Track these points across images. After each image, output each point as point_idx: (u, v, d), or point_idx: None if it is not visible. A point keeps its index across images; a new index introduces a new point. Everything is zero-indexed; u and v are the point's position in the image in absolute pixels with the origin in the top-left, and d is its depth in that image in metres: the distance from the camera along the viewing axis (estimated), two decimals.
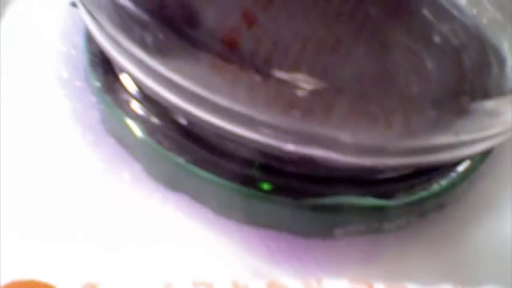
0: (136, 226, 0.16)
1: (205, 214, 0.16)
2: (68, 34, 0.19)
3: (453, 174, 0.17)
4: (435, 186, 0.17)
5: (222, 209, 0.16)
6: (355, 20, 0.13)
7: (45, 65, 0.19)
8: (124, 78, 0.17)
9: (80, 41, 0.19)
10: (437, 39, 0.14)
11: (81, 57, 0.19)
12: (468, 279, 0.15)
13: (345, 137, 0.13)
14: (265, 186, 0.16)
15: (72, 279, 0.12)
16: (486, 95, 0.15)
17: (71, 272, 0.14)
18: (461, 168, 0.17)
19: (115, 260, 0.15)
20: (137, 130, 0.17)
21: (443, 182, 0.17)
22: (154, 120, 0.17)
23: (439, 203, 0.17)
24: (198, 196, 0.16)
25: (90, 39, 0.18)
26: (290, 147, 0.14)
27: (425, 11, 0.15)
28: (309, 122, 0.13)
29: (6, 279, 0.12)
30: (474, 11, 0.16)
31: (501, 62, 0.15)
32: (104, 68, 0.17)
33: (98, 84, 0.17)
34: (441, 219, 0.17)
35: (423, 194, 0.17)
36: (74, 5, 0.18)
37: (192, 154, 0.16)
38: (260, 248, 0.16)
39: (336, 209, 0.16)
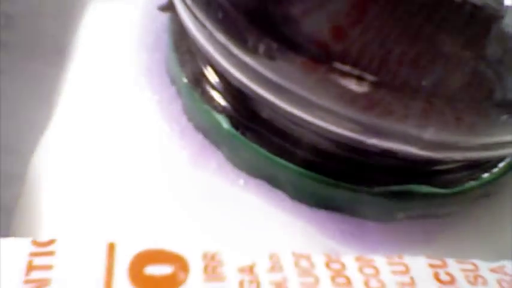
0: (221, 209, 0.18)
1: (283, 199, 0.19)
2: (152, 34, 0.21)
3: (497, 168, 0.20)
4: (482, 178, 0.19)
5: (299, 195, 0.18)
6: (434, 33, 0.15)
7: (128, 61, 0.21)
8: (209, 74, 0.19)
9: (163, 42, 0.21)
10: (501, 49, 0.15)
11: (165, 56, 0.21)
12: None
13: (427, 135, 0.15)
14: (339, 174, 0.18)
15: (195, 248, 0.14)
16: None
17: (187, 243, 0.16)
18: (504, 162, 0.20)
19: (202, 237, 0.18)
20: (223, 122, 0.19)
21: (489, 174, 0.19)
22: (238, 113, 0.19)
23: (486, 191, 0.20)
24: (276, 183, 0.18)
25: (176, 39, 0.20)
26: (372, 141, 0.16)
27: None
28: (391, 120, 0.15)
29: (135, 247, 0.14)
30: None
31: None
32: (191, 66, 0.19)
33: (185, 80, 0.19)
34: (489, 205, 0.20)
35: (472, 184, 0.19)
36: (165, 9, 0.20)
37: (272, 145, 0.18)
38: (334, 231, 0.18)
39: (399, 195, 0.18)
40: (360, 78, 0.14)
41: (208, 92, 0.19)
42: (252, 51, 0.15)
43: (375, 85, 0.14)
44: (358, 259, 0.15)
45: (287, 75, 0.15)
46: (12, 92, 0.24)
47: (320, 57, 0.15)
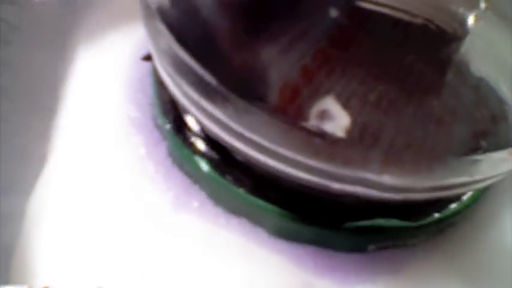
0: (203, 247, 0.20)
1: (262, 235, 0.20)
2: (136, 84, 0.23)
3: (463, 198, 0.21)
4: (448, 210, 0.20)
5: (276, 232, 0.20)
6: (394, 80, 0.17)
7: (116, 109, 0.22)
8: (190, 121, 0.21)
9: (148, 89, 0.22)
10: (460, 95, 0.17)
11: (149, 102, 0.22)
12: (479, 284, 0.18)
13: (384, 179, 0.16)
14: (312, 213, 0.19)
15: None
16: (498, 144, 0.18)
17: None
18: (470, 193, 0.21)
19: (188, 277, 0.19)
20: (203, 165, 0.20)
21: (455, 206, 0.21)
22: (217, 157, 0.20)
23: (452, 222, 0.21)
24: (255, 220, 0.20)
25: (159, 88, 0.21)
26: (335, 186, 0.17)
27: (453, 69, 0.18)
28: (351, 168, 0.17)
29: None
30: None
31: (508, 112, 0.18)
32: (174, 114, 0.21)
33: (167, 127, 0.21)
34: (454, 234, 0.21)
35: (438, 215, 0.20)
36: (145, 59, 0.22)
37: (249, 186, 0.20)
38: (309, 264, 0.19)
39: (369, 229, 0.19)
40: (318, 133, 0.16)
41: (190, 137, 0.20)
42: (221, 109, 0.16)
43: (333, 139, 0.16)
44: None
45: (255, 130, 0.17)
46: (9, 133, 0.25)
47: (282, 116, 0.16)
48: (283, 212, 0.19)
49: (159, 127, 0.21)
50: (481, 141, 0.17)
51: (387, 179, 0.16)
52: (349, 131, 0.16)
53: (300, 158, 0.17)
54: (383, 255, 0.20)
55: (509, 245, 0.21)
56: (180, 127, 0.21)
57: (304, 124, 0.16)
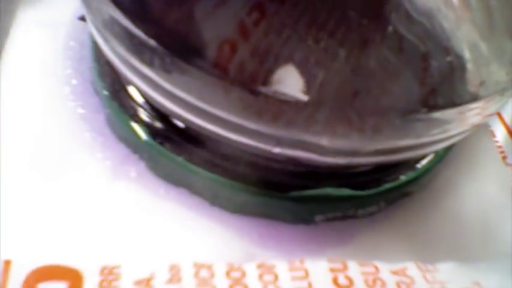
0: (142, 217, 0.18)
1: (203, 206, 0.19)
2: (75, 45, 0.22)
3: (418, 166, 0.20)
4: (401, 178, 0.19)
5: (218, 201, 0.19)
6: (334, 34, 0.16)
7: (55, 73, 0.21)
8: (128, 86, 0.19)
9: (87, 52, 0.21)
10: (406, 48, 0.16)
11: (89, 66, 0.21)
12: (430, 257, 0.17)
13: (323, 142, 0.15)
14: (254, 181, 0.18)
15: (92, 262, 0.14)
16: (448, 101, 0.17)
17: (90, 257, 0.16)
18: (425, 161, 0.20)
19: (125, 245, 0.18)
20: (141, 133, 0.19)
21: (409, 174, 0.20)
22: (156, 124, 0.19)
23: (405, 191, 0.20)
24: (196, 190, 0.19)
25: (97, 51, 0.20)
26: (276, 150, 0.16)
27: (396, 20, 0.17)
28: (292, 130, 0.16)
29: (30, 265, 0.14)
30: (439, 18, 0.18)
31: (463, 69, 0.17)
32: (111, 77, 0.20)
33: (105, 92, 0.20)
34: (407, 205, 0.20)
35: (391, 184, 0.19)
36: (82, 19, 0.20)
37: (189, 153, 0.19)
38: (253, 235, 0.18)
39: (316, 199, 0.18)
40: (252, 91, 0.15)
41: (128, 103, 0.19)
42: (149, 64, 0.15)
43: (267, 97, 0.15)
44: (259, 266, 0.15)
45: (185, 88, 0.15)
46: None
47: (214, 72, 0.15)
48: (224, 181, 0.18)
49: (97, 93, 0.20)
50: (430, 99, 0.16)
51: (328, 140, 0.15)
52: (290, 90, 0.15)
53: (232, 118, 0.15)
54: (332, 227, 0.19)
55: (465, 216, 0.20)
56: (118, 93, 0.20)
57: (240, 83, 0.15)
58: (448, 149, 0.21)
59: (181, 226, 0.18)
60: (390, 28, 0.15)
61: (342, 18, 0.15)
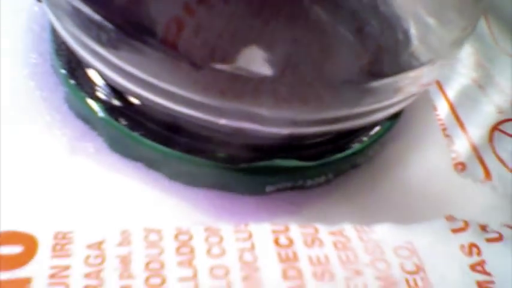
0: (99, 191, 0.19)
1: (159, 180, 0.20)
2: (36, 28, 0.22)
3: (365, 138, 0.21)
4: (349, 149, 0.20)
5: (172, 175, 0.19)
6: (274, 6, 0.16)
7: (15, 55, 0.22)
8: (83, 63, 0.20)
9: (48, 34, 0.22)
10: (349, 17, 0.17)
11: (47, 45, 0.22)
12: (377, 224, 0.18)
13: (265, 112, 0.16)
14: (207, 154, 0.19)
15: (47, 229, 0.15)
16: (386, 70, 0.18)
17: (45, 223, 0.16)
18: (372, 132, 0.21)
19: (81, 216, 0.18)
20: (98, 110, 0.20)
21: (356, 145, 0.21)
22: (113, 100, 0.20)
23: (354, 162, 0.21)
24: (151, 164, 0.20)
25: (54, 31, 0.21)
26: (222, 121, 0.17)
27: None
28: (236, 102, 0.17)
29: None
30: None
31: (407, 39, 0.18)
32: (68, 56, 0.20)
33: (63, 71, 0.20)
34: (356, 176, 0.21)
35: (338, 156, 0.20)
36: (39, 0, 0.21)
37: (144, 129, 0.19)
38: (208, 207, 0.19)
39: (266, 170, 0.19)
40: (194, 63, 0.15)
41: (84, 81, 0.20)
42: (97, 40, 0.16)
43: (209, 68, 0.15)
44: (206, 229, 0.16)
45: (132, 63, 0.16)
46: None
47: (161, 48, 0.16)
48: (179, 154, 0.19)
49: (55, 71, 0.21)
50: (368, 68, 0.17)
51: (270, 111, 0.16)
52: (235, 62, 0.16)
53: (183, 92, 0.16)
54: (282, 197, 0.20)
55: (409, 184, 0.21)
56: (75, 71, 0.20)
57: (187, 58, 0.16)
58: (394, 122, 0.22)
59: (137, 199, 0.19)
60: None
61: None
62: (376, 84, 0.17)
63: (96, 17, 0.16)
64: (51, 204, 0.18)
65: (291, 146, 0.20)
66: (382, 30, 0.17)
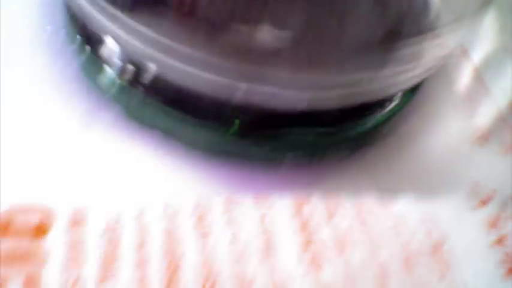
0: (117, 162, 0.19)
1: (177, 149, 0.19)
2: None
3: (385, 111, 0.20)
4: (368, 123, 0.20)
5: (190, 143, 0.19)
6: None
7: (27, 23, 0.21)
8: (100, 32, 0.20)
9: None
10: None
11: (61, 15, 0.21)
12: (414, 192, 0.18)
13: (286, 75, 0.16)
14: (227, 123, 0.19)
15: (66, 202, 0.15)
16: (416, 33, 0.17)
17: (64, 196, 0.16)
18: (392, 105, 0.20)
19: (99, 187, 0.18)
20: (116, 78, 0.19)
21: (376, 117, 0.20)
22: (129, 66, 0.19)
23: (374, 135, 0.20)
24: (169, 132, 0.19)
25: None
26: (243, 85, 0.17)
27: None
28: (257, 65, 0.16)
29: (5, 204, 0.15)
30: None
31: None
32: (83, 24, 0.20)
33: (78, 38, 0.20)
34: (376, 150, 0.20)
35: (358, 127, 0.20)
36: None
37: (162, 95, 0.19)
38: (225, 177, 0.19)
39: (285, 139, 0.19)
40: (214, 24, 0.15)
41: (102, 48, 0.20)
42: (112, 2, 0.16)
43: (229, 29, 0.15)
44: (226, 200, 0.16)
45: (150, 26, 0.16)
46: None
47: (179, 11, 0.15)
48: (195, 121, 0.19)
49: (71, 41, 0.20)
50: (396, 28, 0.16)
51: (291, 72, 0.16)
52: (254, 27, 0.15)
53: (202, 55, 0.16)
54: (301, 169, 0.20)
55: (429, 159, 0.20)
56: (91, 37, 0.20)
57: (206, 20, 0.16)
58: (413, 94, 0.21)
59: (154, 169, 0.19)
60: None
61: None
62: (397, 47, 0.16)
63: None
64: (69, 177, 0.18)
65: (311, 115, 0.19)
66: None
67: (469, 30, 0.19)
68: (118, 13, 0.16)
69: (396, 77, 0.18)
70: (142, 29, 0.16)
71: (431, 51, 0.18)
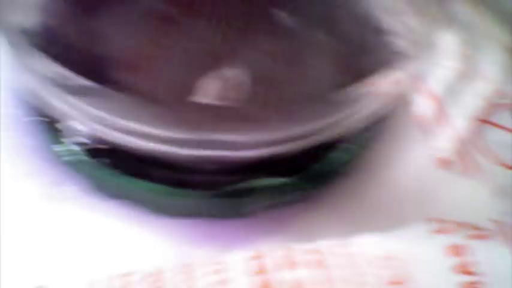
0: (83, 235, 0.19)
1: (143, 216, 0.20)
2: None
3: (348, 147, 0.20)
4: (328, 159, 0.20)
5: (155, 209, 0.20)
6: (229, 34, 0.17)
7: None
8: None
9: None
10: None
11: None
12: (371, 231, 0.18)
13: (241, 138, 0.16)
14: (182, 183, 0.19)
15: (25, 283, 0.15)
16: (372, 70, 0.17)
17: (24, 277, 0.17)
18: (351, 144, 0.20)
19: (64, 264, 0.19)
20: (79, 152, 0.20)
21: (336, 153, 0.20)
22: (88, 141, 0.20)
23: (335, 171, 0.20)
24: (135, 201, 0.20)
25: None
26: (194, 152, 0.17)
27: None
28: (203, 132, 0.17)
29: None
30: None
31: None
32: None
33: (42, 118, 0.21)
34: (339, 185, 0.20)
35: (317, 166, 0.20)
36: None
37: (125, 166, 0.20)
38: (188, 237, 0.19)
39: (244, 191, 0.19)
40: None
41: (61, 124, 0.20)
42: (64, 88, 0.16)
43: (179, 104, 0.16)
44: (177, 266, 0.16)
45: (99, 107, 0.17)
46: None
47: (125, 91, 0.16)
48: (158, 187, 0.19)
49: (34, 115, 0.21)
50: (341, 79, 0.16)
51: (248, 135, 0.16)
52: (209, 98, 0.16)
53: (150, 129, 0.17)
54: (264, 217, 0.20)
55: (398, 187, 0.20)
56: (50, 116, 0.21)
57: (149, 96, 0.16)
58: (375, 124, 0.21)
59: (121, 238, 0.19)
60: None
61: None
62: (354, 87, 0.17)
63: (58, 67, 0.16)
64: (32, 253, 0.19)
65: (268, 163, 0.20)
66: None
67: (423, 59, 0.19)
68: (66, 96, 0.17)
69: (351, 117, 0.18)
70: (91, 110, 0.17)
71: (389, 84, 0.18)
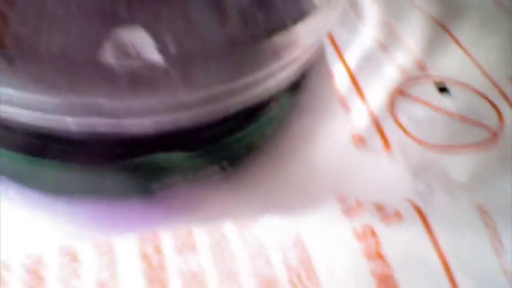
0: None
1: (32, 195, 0.18)
2: None
3: (259, 116, 0.19)
4: (241, 130, 0.19)
5: (45, 187, 0.18)
6: None
7: None
8: None
9: None
10: None
11: None
12: (284, 207, 0.17)
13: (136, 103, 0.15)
14: (75, 157, 0.17)
15: None
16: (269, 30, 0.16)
17: None
18: (267, 109, 0.19)
19: None
20: None
21: (250, 125, 0.19)
22: None
23: (250, 145, 0.19)
24: (22, 179, 0.18)
25: None
26: (70, 120, 0.15)
27: None
28: (95, 97, 0.15)
29: None
30: None
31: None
32: None
33: None
34: (255, 161, 0.19)
35: (229, 139, 0.18)
36: None
37: (7, 140, 0.17)
38: (85, 217, 0.17)
39: (148, 166, 0.17)
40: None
41: None
42: None
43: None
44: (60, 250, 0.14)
45: None
46: None
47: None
48: (47, 162, 0.17)
49: None
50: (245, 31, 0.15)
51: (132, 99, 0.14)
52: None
53: (21, 95, 0.15)
54: (174, 195, 0.18)
55: (313, 163, 0.19)
56: None
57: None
58: (291, 97, 0.20)
59: (10, 222, 0.17)
60: None
61: None
62: (250, 49, 0.15)
63: None
64: None
65: (174, 135, 0.18)
66: None
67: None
68: None
69: (257, 82, 0.17)
70: None
71: (290, 48, 0.17)
